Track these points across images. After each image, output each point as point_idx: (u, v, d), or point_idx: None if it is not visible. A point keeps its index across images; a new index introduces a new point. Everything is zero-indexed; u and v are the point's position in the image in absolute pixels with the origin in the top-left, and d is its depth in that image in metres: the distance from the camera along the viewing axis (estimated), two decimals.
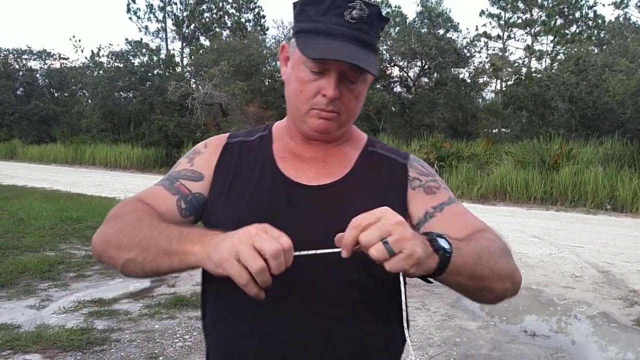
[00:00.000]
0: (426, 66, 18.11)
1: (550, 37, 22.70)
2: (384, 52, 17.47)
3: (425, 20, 18.03)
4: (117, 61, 20.98)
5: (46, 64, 26.67)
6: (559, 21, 22.68)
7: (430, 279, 0.76)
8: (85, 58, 34.38)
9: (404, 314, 0.74)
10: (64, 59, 27.04)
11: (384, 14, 0.89)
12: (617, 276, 5.15)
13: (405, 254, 0.66)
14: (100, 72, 21.35)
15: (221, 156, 0.98)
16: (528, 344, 3.48)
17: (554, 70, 18.24)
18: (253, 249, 0.66)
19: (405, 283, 0.74)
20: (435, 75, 18.52)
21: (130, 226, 0.83)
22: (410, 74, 18.64)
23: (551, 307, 4.31)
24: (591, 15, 22.99)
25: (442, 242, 0.72)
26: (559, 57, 21.42)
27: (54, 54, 26.75)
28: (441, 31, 18.03)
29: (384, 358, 0.92)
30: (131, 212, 0.87)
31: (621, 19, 21.81)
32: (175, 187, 0.94)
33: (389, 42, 17.19)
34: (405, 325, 0.74)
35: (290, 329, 0.84)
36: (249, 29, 25.91)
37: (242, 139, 1.01)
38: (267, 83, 19.26)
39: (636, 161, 11.11)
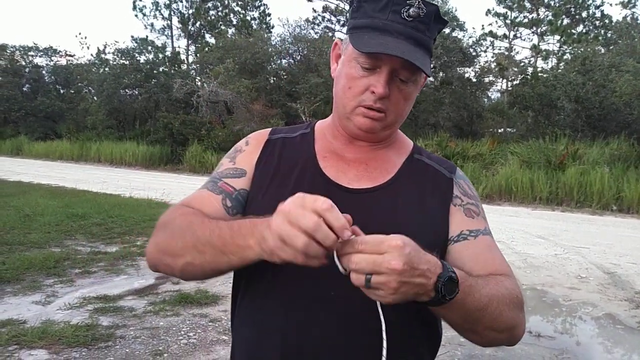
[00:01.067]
0: (432, 65, 18.04)
1: (557, 37, 22.57)
2: None
3: None
4: (123, 58, 21.06)
5: (52, 60, 26.89)
6: (566, 21, 22.54)
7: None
8: (91, 55, 34.61)
9: (384, 336, 0.72)
10: (70, 55, 27.26)
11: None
12: (622, 277, 5.13)
13: (378, 295, 0.66)
14: (106, 69, 21.41)
15: (262, 152, 0.97)
16: (533, 344, 3.46)
17: (560, 70, 18.19)
18: (292, 227, 0.65)
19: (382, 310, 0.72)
20: (441, 74, 18.50)
21: (181, 231, 0.82)
22: None
23: (556, 308, 4.29)
24: (598, 15, 22.89)
25: (448, 289, 0.70)
26: (565, 57, 21.35)
27: (60, 51, 26.97)
28: (447, 30, 17.97)
29: (419, 357, 0.90)
30: (179, 217, 0.86)
31: (629, 18, 21.72)
32: (219, 187, 0.94)
33: None
34: (384, 345, 0.72)
35: (322, 326, 0.83)
36: (255, 26, 25.91)
37: (284, 135, 1.00)
38: (272, 81, 19.27)
39: None
